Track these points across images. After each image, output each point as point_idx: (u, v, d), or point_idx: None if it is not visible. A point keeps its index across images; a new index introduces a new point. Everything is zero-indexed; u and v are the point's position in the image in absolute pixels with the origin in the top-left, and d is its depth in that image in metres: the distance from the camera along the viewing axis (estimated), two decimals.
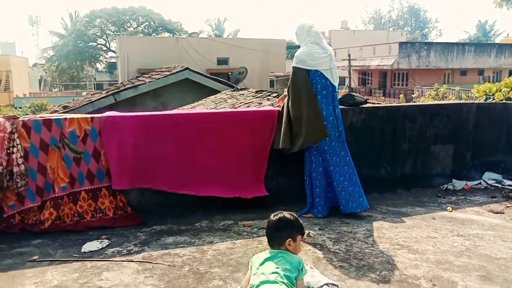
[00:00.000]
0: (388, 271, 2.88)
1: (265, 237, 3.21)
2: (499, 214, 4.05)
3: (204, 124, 4.00)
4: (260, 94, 10.54)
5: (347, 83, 33.65)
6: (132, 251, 3.21)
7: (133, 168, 3.80)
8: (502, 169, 5.26)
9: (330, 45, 4.13)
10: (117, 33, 41.51)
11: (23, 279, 2.78)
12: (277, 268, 2.23)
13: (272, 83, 31.38)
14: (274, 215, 2.44)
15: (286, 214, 2.43)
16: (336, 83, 3.94)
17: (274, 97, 9.52)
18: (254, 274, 2.27)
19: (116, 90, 13.19)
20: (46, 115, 3.75)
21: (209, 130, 3.99)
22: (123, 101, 12.57)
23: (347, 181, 3.91)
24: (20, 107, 25.12)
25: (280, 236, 2.36)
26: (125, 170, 3.77)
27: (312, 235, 3.48)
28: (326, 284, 2.54)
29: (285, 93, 4.09)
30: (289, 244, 2.36)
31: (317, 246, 3.29)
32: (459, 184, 4.92)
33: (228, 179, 4.08)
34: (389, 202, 4.45)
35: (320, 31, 4.10)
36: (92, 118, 3.72)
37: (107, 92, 13.69)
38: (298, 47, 4.11)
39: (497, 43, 41.52)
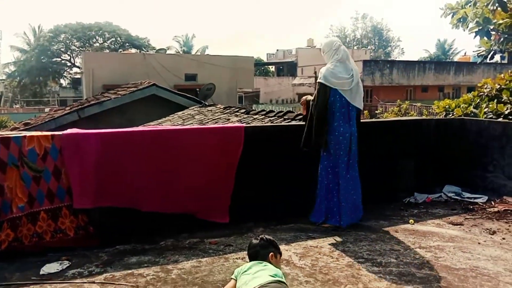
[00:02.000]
0: (352, 284, 2.91)
1: (232, 254, 3.22)
2: (458, 226, 4.18)
3: (168, 141, 3.96)
4: (228, 110, 10.56)
5: None
6: (93, 272, 3.11)
7: (96, 186, 3.70)
8: (461, 182, 5.46)
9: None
10: (82, 49, 40.79)
11: None
12: (271, 275, 2.43)
13: (240, 99, 31.57)
14: (256, 238, 2.81)
15: (265, 236, 2.85)
16: (356, 103, 4.10)
17: (242, 113, 9.58)
18: (247, 274, 2.48)
19: (80, 107, 12.90)
20: (4, 133, 3.61)
21: (174, 147, 3.95)
22: (88, 117, 12.30)
23: (350, 195, 4.08)
24: None
25: (264, 252, 2.68)
26: (87, 188, 3.67)
27: None
28: None
29: (307, 98, 4.39)
30: (272, 258, 2.66)
31: (283, 261, 3.29)
32: (420, 197, 5.06)
33: (193, 197, 4.04)
34: None
35: (347, 49, 4.28)
36: (52, 135, 3.62)
37: (71, 108, 13.37)
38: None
39: (456, 61, 43.47)
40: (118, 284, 2.91)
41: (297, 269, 3.16)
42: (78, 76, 40.24)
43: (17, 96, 42.89)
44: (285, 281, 2.48)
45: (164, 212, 3.99)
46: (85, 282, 2.94)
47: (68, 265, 3.24)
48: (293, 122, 6.24)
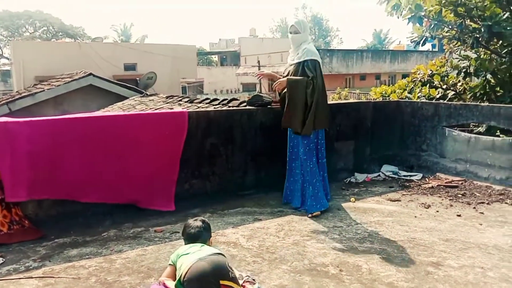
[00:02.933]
0: (298, 261, 2.98)
1: (179, 241, 3.17)
2: (396, 202, 4.40)
3: (109, 128, 3.81)
4: (171, 100, 10.34)
5: (257, 89, 34.45)
6: (31, 267, 2.94)
7: (29, 178, 3.49)
8: (397, 161, 5.75)
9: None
10: (10, 39, 38.07)
11: None
12: (215, 252, 2.38)
13: (184, 89, 31.02)
14: (196, 220, 2.71)
15: (202, 218, 2.76)
16: None
17: (185, 102, 9.42)
18: (182, 260, 2.34)
19: (10, 99, 12.10)
20: None
21: (114, 134, 3.81)
22: (19, 110, 11.57)
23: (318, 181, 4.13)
24: None
25: (206, 235, 2.63)
26: (20, 180, 3.45)
27: None
28: (247, 276, 2.59)
29: (281, 80, 4.20)
30: (210, 243, 2.64)
31: (231, 244, 3.30)
32: (360, 177, 5.27)
33: (136, 186, 3.93)
34: None
35: None
36: None
37: (1, 101, 12.50)
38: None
39: (391, 50, 45.48)
40: (58, 277, 2.77)
41: (245, 250, 3.18)
42: (7, 68, 37.54)
43: None
44: (224, 253, 2.47)
45: (105, 203, 3.85)
46: (22, 278, 2.77)
47: (2, 262, 3.03)
48: (236, 107, 6.24)
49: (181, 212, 4.01)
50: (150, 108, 9.79)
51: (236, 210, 4.15)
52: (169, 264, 2.49)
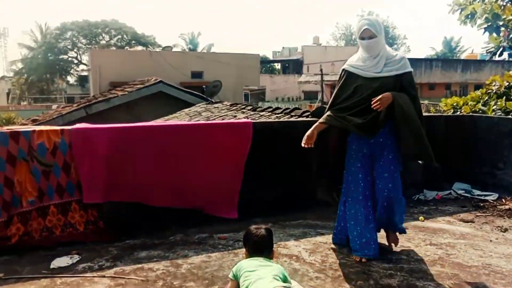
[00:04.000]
0: (363, 281, 2.89)
1: (241, 250, 3.20)
2: (469, 223, 4.14)
3: (178, 136, 3.95)
4: (235, 107, 10.56)
5: (319, 97, 34.14)
6: (103, 267, 3.11)
7: (105, 181, 3.70)
8: (471, 179, 5.41)
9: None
10: (89, 46, 40.89)
11: None
12: (274, 274, 2.29)
13: (246, 96, 31.52)
14: (259, 228, 2.60)
15: (266, 226, 2.67)
16: None
17: (248, 110, 9.56)
18: (246, 280, 2.29)
19: (87, 103, 12.96)
20: (14, 127, 3.62)
21: (183, 142, 3.94)
22: (95, 114, 12.35)
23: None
24: None
25: (269, 246, 2.56)
26: (96, 183, 3.67)
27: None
28: None
29: (386, 96, 3.06)
30: (273, 253, 2.61)
31: (293, 257, 3.28)
32: (430, 194, 5.02)
33: (202, 193, 4.04)
34: None
35: None
36: (62, 130, 3.62)
37: (78, 105, 13.43)
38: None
39: (463, 59, 43.15)
40: (128, 278, 2.91)
41: (307, 265, 3.14)
42: (85, 73, 40.36)
43: (25, 93, 43.10)
44: (290, 283, 2.37)
45: (173, 207, 3.99)
46: (96, 276, 2.94)
47: (78, 259, 3.24)
48: (300, 119, 6.22)
49: (244, 220, 4.04)
50: (215, 115, 10.07)
51: (298, 222, 4.13)
52: (231, 279, 2.42)
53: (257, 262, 2.41)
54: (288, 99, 40.24)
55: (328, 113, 3.28)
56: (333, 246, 3.51)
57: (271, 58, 53.22)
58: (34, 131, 3.53)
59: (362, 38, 3.17)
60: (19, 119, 19.97)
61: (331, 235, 3.75)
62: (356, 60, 3.27)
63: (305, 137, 3.29)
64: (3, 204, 3.39)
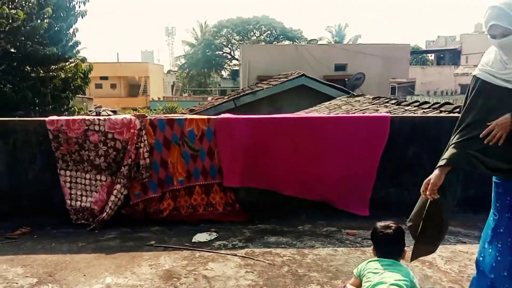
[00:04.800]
0: None
1: (369, 248, 3.12)
2: None
3: (312, 128, 4.01)
4: (377, 101, 10.18)
5: None
6: (236, 246, 3.37)
7: (243, 167, 3.98)
8: None
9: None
10: (241, 42, 43.71)
11: (140, 260, 3.11)
12: (397, 280, 2.10)
13: (393, 90, 30.02)
14: (386, 227, 2.30)
15: (396, 224, 2.35)
16: None
17: (392, 104, 9.12)
18: (367, 282, 2.17)
19: (236, 96, 13.95)
20: (169, 115, 4.13)
21: (317, 135, 3.99)
22: (242, 106, 13.20)
23: None
24: (155, 109, 28.00)
25: (401, 247, 2.30)
26: (235, 168, 3.97)
27: None
28: None
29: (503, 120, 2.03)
30: (404, 255, 2.33)
31: (426, 263, 3.07)
32: None
33: (334, 187, 4.04)
34: None
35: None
36: (208, 119, 4.00)
37: (228, 97, 14.56)
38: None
39: None
40: (257, 260, 3.10)
41: (441, 273, 2.92)
42: (236, 68, 43.36)
43: (186, 86, 48.32)
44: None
45: (304, 198, 4.08)
46: (229, 254, 3.21)
47: (215, 236, 3.57)
48: (450, 115, 5.70)
49: (375, 218, 3.87)
50: (356, 109, 9.86)
51: None
52: (354, 276, 2.32)
53: (383, 264, 2.22)
54: (441, 93, 36.95)
55: (453, 146, 2.20)
56: (474, 256, 3.17)
57: (424, 48, 49.51)
58: (186, 119, 3.98)
59: (492, 36, 2.06)
60: (180, 108, 22.50)
61: (474, 245, 3.40)
62: (492, 62, 2.12)
63: (429, 186, 2.24)
64: (159, 182, 3.92)
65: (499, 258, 2.14)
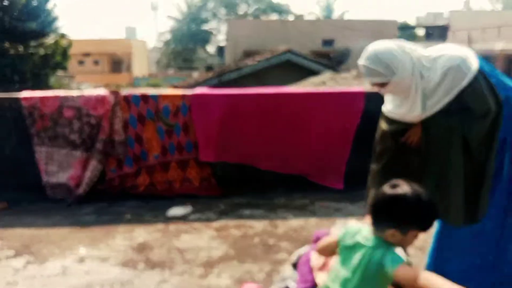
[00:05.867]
0: None
1: (339, 219, 3.21)
2: None
3: (287, 103, 4.04)
4: (361, 77, 10.23)
5: None
6: (210, 219, 3.45)
7: (219, 142, 4.01)
8: None
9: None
10: (227, 16, 43.07)
11: (115, 233, 3.17)
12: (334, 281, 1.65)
13: None
14: (394, 186, 1.61)
15: (410, 192, 1.57)
16: None
17: None
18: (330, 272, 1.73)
19: (220, 73, 13.88)
20: (144, 91, 4.13)
21: (292, 110, 4.02)
22: (227, 82, 13.16)
23: None
24: (138, 86, 27.72)
25: (384, 221, 1.58)
26: (211, 143, 4.01)
27: None
28: None
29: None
30: (393, 235, 1.56)
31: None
32: None
33: (309, 160, 4.11)
34: None
35: None
36: (183, 95, 4.01)
37: (213, 74, 14.47)
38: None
39: None
40: (229, 231, 3.18)
41: None
42: (222, 44, 42.84)
43: (171, 62, 47.70)
44: None
45: (280, 172, 4.15)
46: (203, 227, 3.28)
47: (191, 210, 3.64)
48: None
49: (348, 192, 4.02)
50: (340, 85, 9.91)
51: None
52: (334, 239, 1.74)
53: (347, 245, 1.65)
54: None
55: None
56: None
57: (414, 24, 49.32)
58: (160, 95, 3.98)
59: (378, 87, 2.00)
60: (164, 86, 22.30)
61: None
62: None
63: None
64: (134, 157, 3.95)
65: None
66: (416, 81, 1.93)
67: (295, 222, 3.37)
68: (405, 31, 47.69)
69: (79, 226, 3.31)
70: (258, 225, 3.31)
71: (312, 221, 3.40)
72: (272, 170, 4.14)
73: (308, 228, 3.26)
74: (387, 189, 1.63)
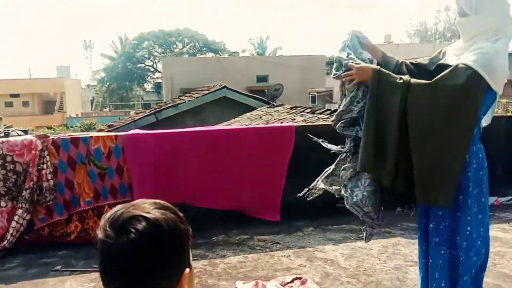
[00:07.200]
0: None
1: (278, 252, 3.26)
2: None
3: (221, 140, 4.12)
4: (294, 110, 10.64)
5: None
6: None
7: (155, 182, 3.96)
8: None
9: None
10: (163, 55, 43.15)
11: (44, 287, 2.98)
12: None
13: (314, 99, 31.33)
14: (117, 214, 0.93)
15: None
16: None
17: (307, 112, 9.59)
18: None
19: (157, 109, 13.74)
20: (74, 134, 4.02)
21: (226, 147, 4.10)
22: (164, 119, 13.02)
23: None
24: (72, 127, 26.65)
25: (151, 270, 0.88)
26: (146, 185, 3.94)
27: None
28: None
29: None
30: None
31: (328, 261, 3.29)
32: (488, 200, 4.70)
33: (245, 195, 4.16)
34: (411, 218, 4.33)
35: None
36: (116, 136, 3.95)
37: (150, 111, 14.30)
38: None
39: None
40: None
41: (341, 270, 3.14)
42: (160, 80, 42.65)
43: (106, 101, 46.55)
44: None
45: (217, 209, 4.16)
46: None
47: None
48: None
49: (286, 223, 4.12)
50: (275, 119, 10.20)
51: (341, 226, 4.10)
52: None
53: None
54: None
55: None
56: (372, 251, 3.46)
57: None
58: (91, 137, 3.89)
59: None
60: (100, 125, 21.64)
61: (372, 240, 3.67)
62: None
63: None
64: (64, 204, 3.78)
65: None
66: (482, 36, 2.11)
67: (234, 259, 3.38)
68: (332, 65, 50.41)
69: (3, 283, 3.08)
70: (197, 265, 3.28)
71: (251, 257, 3.42)
72: (210, 207, 4.15)
73: (247, 263, 3.28)
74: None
